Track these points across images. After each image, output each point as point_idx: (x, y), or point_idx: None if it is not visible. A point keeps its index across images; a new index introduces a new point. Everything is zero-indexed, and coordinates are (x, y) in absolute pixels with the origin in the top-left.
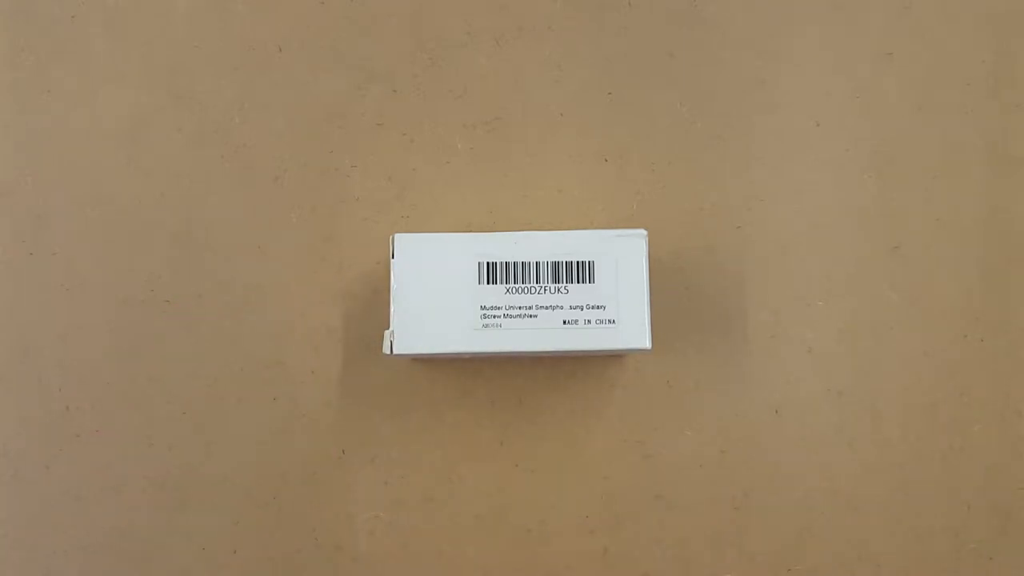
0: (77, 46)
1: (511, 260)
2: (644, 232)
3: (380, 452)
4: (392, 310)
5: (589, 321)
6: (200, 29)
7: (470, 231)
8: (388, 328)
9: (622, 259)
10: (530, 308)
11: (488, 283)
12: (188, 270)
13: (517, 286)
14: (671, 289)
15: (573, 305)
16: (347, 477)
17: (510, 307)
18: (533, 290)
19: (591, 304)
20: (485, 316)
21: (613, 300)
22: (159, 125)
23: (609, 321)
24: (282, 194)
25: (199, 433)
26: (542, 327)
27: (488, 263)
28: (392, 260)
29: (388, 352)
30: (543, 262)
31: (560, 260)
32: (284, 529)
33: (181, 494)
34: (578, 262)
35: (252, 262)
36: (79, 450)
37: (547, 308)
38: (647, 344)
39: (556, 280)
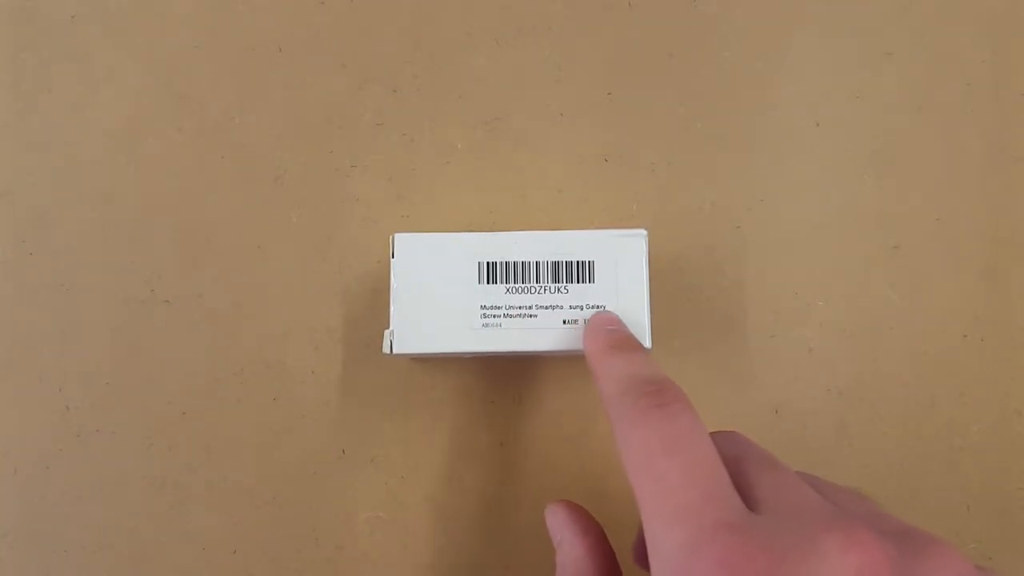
0: (77, 46)
1: (511, 260)
2: (644, 232)
3: (380, 452)
4: (392, 310)
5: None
6: (200, 29)
7: (470, 231)
8: (388, 328)
9: (622, 259)
10: (530, 308)
11: (488, 283)
12: (188, 270)
13: (517, 286)
14: (671, 289)
15: (573, 305)
16: (347, 477)
17: (510, 307)
18: (533, 290)
19: (591, 304)
20: (485, 316)
21: (613, 300)
22: (159, 125)
23: None
24: (282, 194)
25: (199, 433)
26: (542, 327)
27: (488, 263)
28: (392, 260)
29: (388, 352)
30: (543, 262)
31: (560, 260)
32: (284, 529)
33: (181, 494)
34: (578, 262)
35: (252, 262)
36: (79, 450)
37: (547, 308)
38: (647, 344)
39: (556, 280)
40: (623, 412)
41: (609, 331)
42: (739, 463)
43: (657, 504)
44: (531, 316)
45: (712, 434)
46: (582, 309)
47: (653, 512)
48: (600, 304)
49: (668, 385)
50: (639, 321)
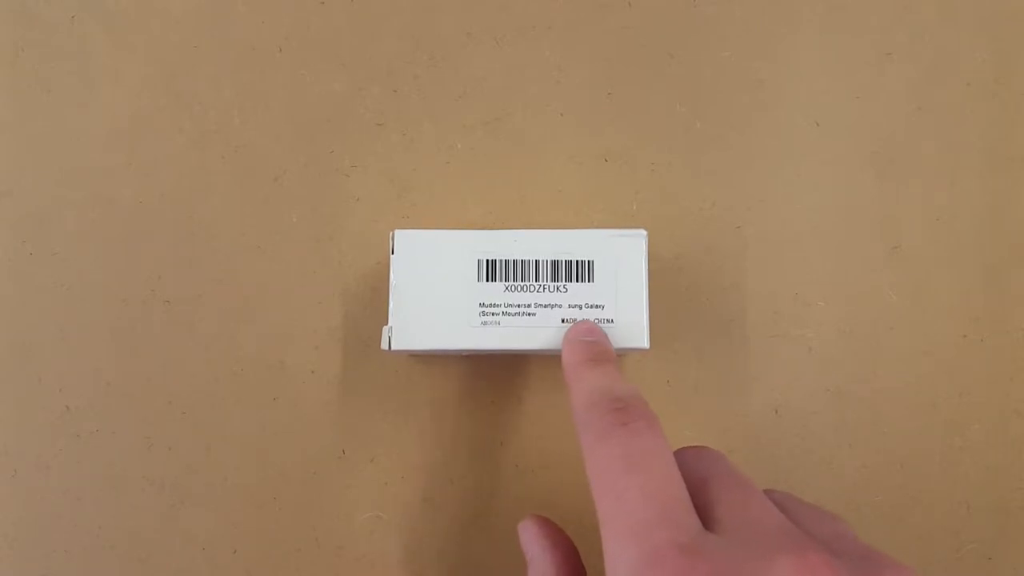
0: (77, 46)
1: (510, 258)
2: (644, 232)
3: (380, 452)
4: (391, 306)
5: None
6: (200, 29)
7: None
8: (387, 324)
9: (622, 259)
10: (529, 306)
11: (487, 280)
12: (188, 270)
13: (516, 284)
14: (671, 289)
15: (572, 304)
16: (347, 477)
17: (509, 305)
18: (532, 288)
19: (590, 303)
20: (484, 313)
21: (612, 299)
22: (159, 125)
23: (607, 320)
24: (282, 194)
25: (199, 433)
26: (540, 325)
27: (488, 260)
28: (392, 256)
29: (386, 348)
30: (542, 260)
31: (560, 259)
32: (284, 529)
33: (181, 494)
34: (577, 261)
35: (252, 262)
36: (79, 450)
37: (546, 307)
38: (645, 344)
39: (555, 279)
40: (589, 426)
41: (587, 343)
42: (705, 481)
43: (615, 521)
44: (530, 315)
45: (683, 450)
46: (581, 308)
47: (610, 529)
48: (599, 303)
49: (635, 402)
50: (638, 321)
